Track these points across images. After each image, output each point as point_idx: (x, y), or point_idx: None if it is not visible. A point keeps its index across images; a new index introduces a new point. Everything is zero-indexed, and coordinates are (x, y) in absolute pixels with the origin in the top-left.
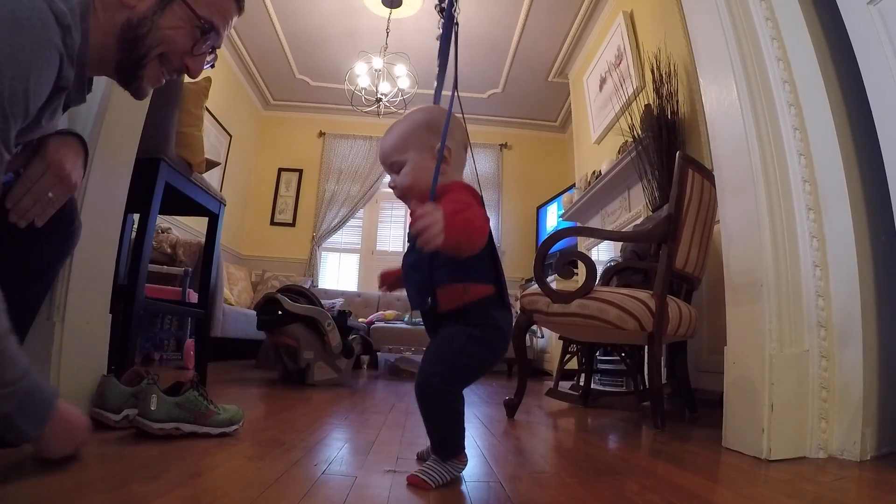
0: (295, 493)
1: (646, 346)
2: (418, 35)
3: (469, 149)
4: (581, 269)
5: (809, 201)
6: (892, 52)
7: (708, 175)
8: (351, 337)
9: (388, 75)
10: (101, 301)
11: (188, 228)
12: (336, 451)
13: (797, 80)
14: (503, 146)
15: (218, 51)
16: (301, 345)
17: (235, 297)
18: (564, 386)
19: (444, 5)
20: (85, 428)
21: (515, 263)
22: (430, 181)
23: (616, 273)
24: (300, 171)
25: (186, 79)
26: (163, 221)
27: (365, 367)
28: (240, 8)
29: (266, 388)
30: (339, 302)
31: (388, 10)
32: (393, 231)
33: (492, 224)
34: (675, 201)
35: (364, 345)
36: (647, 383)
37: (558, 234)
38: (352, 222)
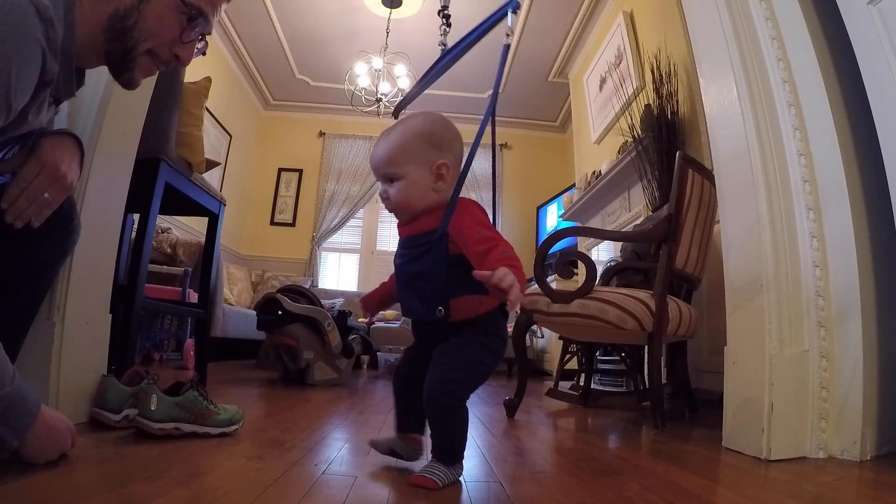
0: (295, 493)
1: (646, 346)
2: (418, 35)
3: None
4: (581, 269)
5: (809, 201)
6: (892, 52)
7: (708, 175)
8: (351, 337)
9: (388, 75)
10: (101, 301)
11: (188, 228)
12: (336, 451)
13: (797, 80)
14: (503, 146)
15: (218, 51)
16: (301, 345)
17: (235, 297)
18: (564, 386)
19: (507, 40)
20: (69, 434)
21: None
22: (426, 200)
23: (616, 273)
24: (300, 171)
25: (186, 79)
26: (163, 221)
27: (365, 367)
28: None
29: (266, 388)
30: (339, 302)
31: (388, 10)
32: (393, 231)
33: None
34: (675, 201)
35: (364, 345)
36: (647, 383)
37: (558, 234)
38: (352, 222)
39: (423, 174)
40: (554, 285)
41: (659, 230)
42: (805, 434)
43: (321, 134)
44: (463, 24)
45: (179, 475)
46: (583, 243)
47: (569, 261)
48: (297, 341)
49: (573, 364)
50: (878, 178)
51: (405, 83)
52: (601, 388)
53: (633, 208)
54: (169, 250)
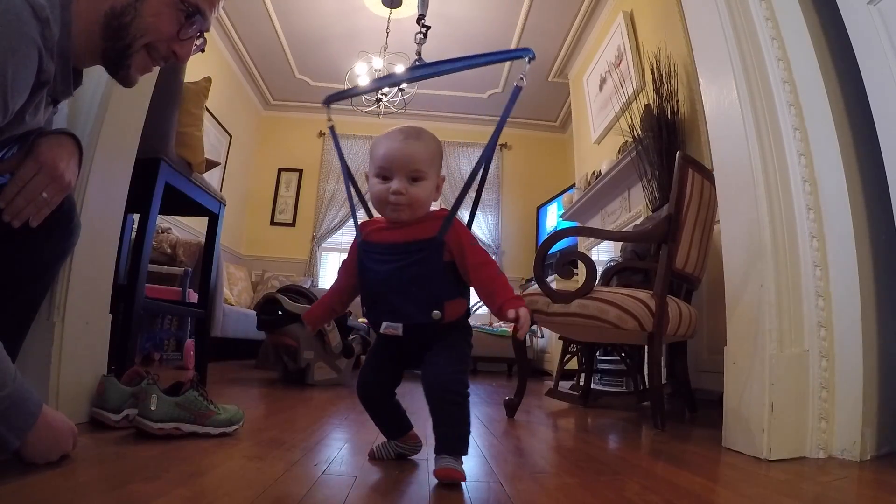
0: (295, 493)
1: (646, 346)
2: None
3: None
4: (581, 269)
5: (809, 201)
6: (892, 52)
7: (708, 175)
8: (351, 337)
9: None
10: (101, 301)
11: (188, 228)
12: (336, 451)
13: (797, 80)
14: (503, 146)
15: (218, 51)
16: (301, 345)
17: (235, 297)
18: (564, 386)
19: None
20: (71, 434)
21: (515, 263)
22: (427, 207)
23: (616, 273)
24: (300, 171)
25: (186, 79)
26: (163, 221)
27: None
28: None
29: (266, 388)
30: None
31: (388, 10)
32: None
33: (492, 224)
34: (675, 201)
35: (364, 345)
36: (647, 383)
37: (558, 234)
38: (352, 222)
39: (433, 184)
40: (554, 285)
41: (659, 230)
42: (805, 434)
43: (321, 134)
44: (463, 24)
45: (179, 475)
46: (583, 243)
47: (569, 261)
48: (297, 341)
49: (573, 364)
50: (878, 178)
51: (405, 84)
52: (601, 388)
53: (633, 208)
54: (169, 250)
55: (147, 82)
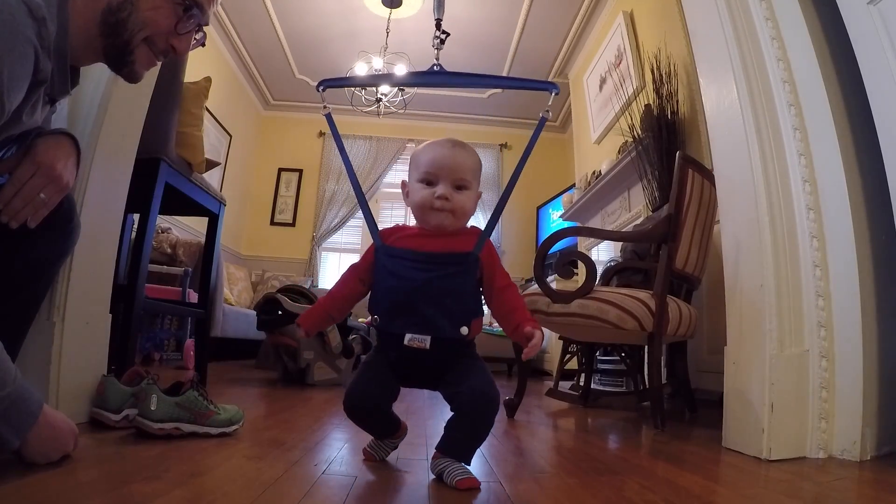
0: (295, 493)
1: (646, 346)
2: (418, 35)
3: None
4: (581, 269)
5: (809, 201)
6: (892, 52)
7: (708, 175)
8: (351, 337)
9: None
10: (101, 301)
11: (188, 228)
12: (336, 451)
13: (797, 80)
14: (503, 146)
15: (218, 51)
16: (301, 345)
17: (235, 297)
18: (564, 386)
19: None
20: (72, 434)
21: (515, 263)
22: (469, 217)
23: (616, 273)
24: (300, 171)
25: (186, 79)
26: (163, 221)
27: None
28: None
29: (266, 388)
30: None
31: (388, 10)
32: None
33: None
34: (675, 201)
35: (364, 345)
36: (647, 383)
37: (558, 234)
38: (352, 222)
39: (476, 195)
40: (554, 285)
41: (659, 230)
42: (805, 434)
43: (321, 134)
44: (462, 24)
45: (179, 475)
46: (583, 243)
47: (569, 261)
48: (297, 341)
49: (573, 364)
50: (878, 178)
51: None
52: (601, 388)
53: (633, 208)
54: (169, 250)
55: (147, 82)
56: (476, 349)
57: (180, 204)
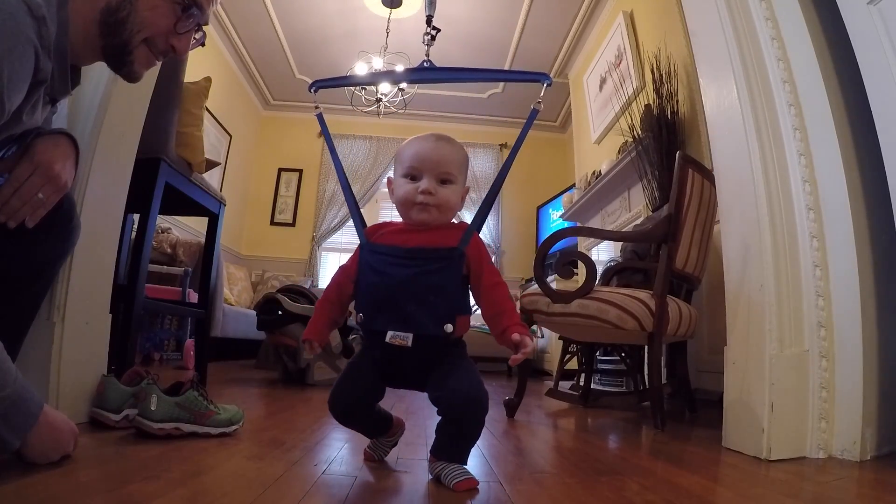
0: (295, 493)
1: (646, 346)
2: (418, 35)
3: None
4: (581, 269)
5: (809, 201)
6: (892, 52)
7: (708, 175)
8: (351, 337)
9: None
10: (101, 301)
11: (188, 228)
12: (336, 451)
13: (797, 80)
14: (503, 146)
15: (218, 51)
16: (301, 345)
17: (235, 297)
18: (564, 386)
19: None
20: (72, 435)
21: (515, 263)
22: (454, 212)
23: (616, 273)
24: (300, 171)
25: (186, 79)
26: (163, 221)
27: None
28: None
29: (266, 388)
30: None
31: (388, 10)
32: None
33: (492, 224)
34: (675, 201)
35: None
36: (647, 383)
37: (558, 234)
38: (352, 222)
39: (461, 190)
40: (554, 285)
41: (659, 230)
42: (805, 434)
43: (321, 134)
44: (463, 24)
45: (179, 475)
46: (583, 243)
47: (569, 261)
48: (296, 341)
49: (573, 364)
50: (878, 178)
51: (405, 83)
52: (601, 388)
53: (633, 208)
54: (169, 250)
55: (147, 82)
56: (466, 349)
57: (180, 204)
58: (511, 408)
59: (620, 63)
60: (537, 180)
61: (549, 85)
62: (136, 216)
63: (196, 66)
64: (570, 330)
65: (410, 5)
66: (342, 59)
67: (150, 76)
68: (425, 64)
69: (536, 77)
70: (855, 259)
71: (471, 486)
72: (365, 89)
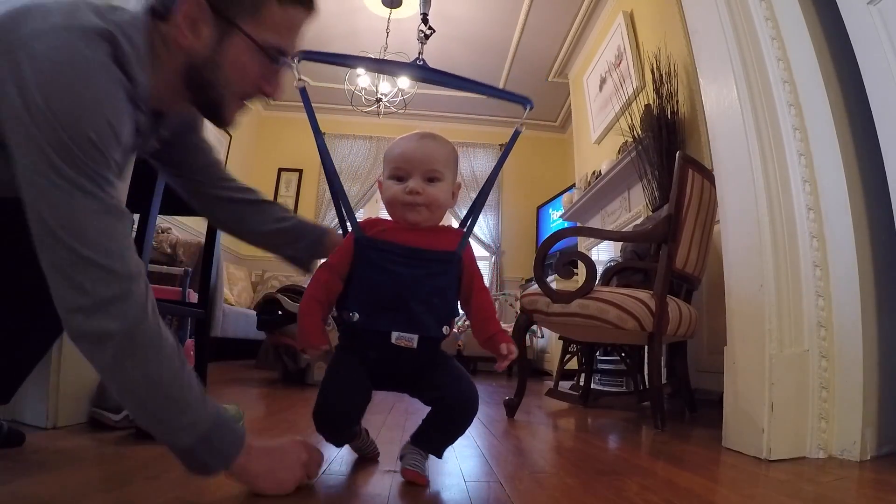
0: (295, 493)
1: (646, 346)
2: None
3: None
4: (581, 269)
5: (809, 201)
6: (892, 52)
7: (708, 175)
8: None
9: (387, 75)
10: None
11: (188, 228)
12: (336, 451)
13: (797, 80)
14: (503, 146)
15: None
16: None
17: (235, 297)
18: (564, 386)
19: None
20: (300, 464)
21: (515, 263)
22: (444, 210)
23: (616, 273)
24: (300, 171)
25: None
26: (163, 221)
27: None
28: (308, 9)
29: (266, 388)
30: None
31: (388, 10)
32: None
33: (492, 224)
34: (675, 201)
35: None
36: (647, 383)
37: (558, 234)
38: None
39: (450, 187)
40: (554, 285)
41: (659, 230)
42: (805, 434)
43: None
44: (463, 24)
45: (179, 475)
46: (583, 243)
47: (569, 261)
48: (296, 341)
49: (573, 364)
50: (878, 178)
51: (405, 83)
52: (601, 388)
53: (633, 208)
54: (169, 250)
55: None
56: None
57: (180, 204)
58: (511, 408)
59: (620, 63)
60: (537, 180)
61: (530, 109)
62: (136, 216)
63: None
64: (570, 330)
65: (410, 5)
66: None
67: None
68: (419, 62)
69: (520, 100)
70: (855, 259)
71: (418, 481)
72: (365, 89)
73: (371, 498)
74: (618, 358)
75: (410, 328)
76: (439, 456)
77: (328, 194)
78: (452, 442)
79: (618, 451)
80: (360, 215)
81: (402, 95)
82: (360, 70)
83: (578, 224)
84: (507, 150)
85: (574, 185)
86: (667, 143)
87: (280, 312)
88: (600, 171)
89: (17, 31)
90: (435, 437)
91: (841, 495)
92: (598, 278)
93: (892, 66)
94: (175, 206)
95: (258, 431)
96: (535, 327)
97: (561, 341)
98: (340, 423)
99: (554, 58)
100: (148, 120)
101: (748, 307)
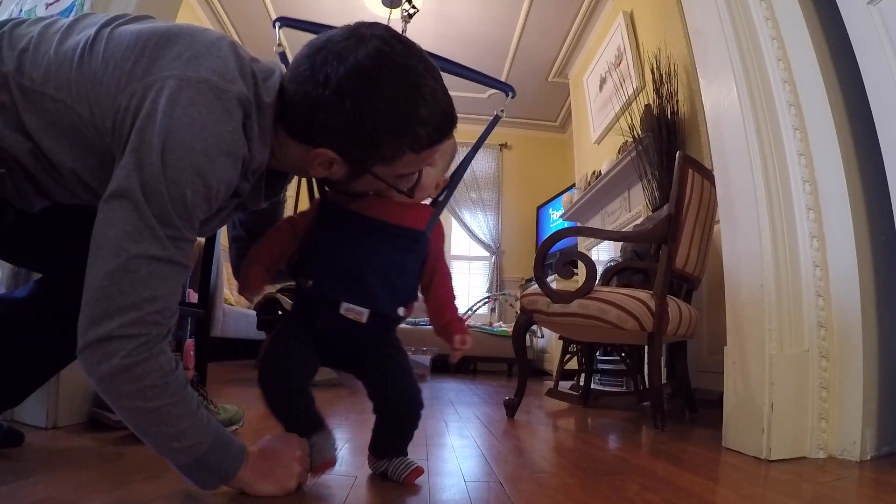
0: (295, 493)
1: (646, 346)
2: (418, 35)
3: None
4: (581, 269)
5: (809, 201)
6: (892, 52)
7: (708, 175)
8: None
9: None
10: None
11: None
12: (336, 451)
13: (797, 80)
14: (503, 146)
15: None
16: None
17: (235, 297)
18: (564, 386)
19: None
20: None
21: (515, 263)
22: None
23: (616, 273)
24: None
25: None
26: None
27: None
28: (448, 134)
29: None
30: None
31: (388, 10)
32: None
33: (492, 224)
34: (675, 201)
35: None
36: (647, 383)
37: (558, 234)
38: None
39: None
40: (554, 285)
41: (659, 230)
42: (805, 434)
43: None
44: (463, 24)
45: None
46: (583, 243)
47: (569, 261)
48: None
49: (573, 364)
50: (878, 178)
51: None
52: (601, 388)
53: (633, 208)
54: None
55: None
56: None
57: None
58: (511, 408)
59: (620, 63)
60: (537, 180)
61: (512, 96)
62: None
63: None
64: (570, 330)
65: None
66: None
67: None
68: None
69: (502, 87)
70: (855, 259)
71: (418, 473)
72: None
73: (372, 498)
74: (618, 358)
75: (361, 301)
76: (405, 452)
77: None
78: (410, 439)
79: (618, 451)
80: None
81: None
82: None
83: (578, 224)
84: (485, 132)
85: (574, 185)
86: (667, 143)
87: (280, 312)
88: (600, 171)
89: (161, 62)
90: (391, 442)
91: (841, 495)
92: (598, 278)
93: (892, 66)
94: None
95: (258, 431)
96: (535, 327)
97: (561, 341)
98: (288, 388)
99: (554, 58)
100: (253, 186)
101: (748, 307)
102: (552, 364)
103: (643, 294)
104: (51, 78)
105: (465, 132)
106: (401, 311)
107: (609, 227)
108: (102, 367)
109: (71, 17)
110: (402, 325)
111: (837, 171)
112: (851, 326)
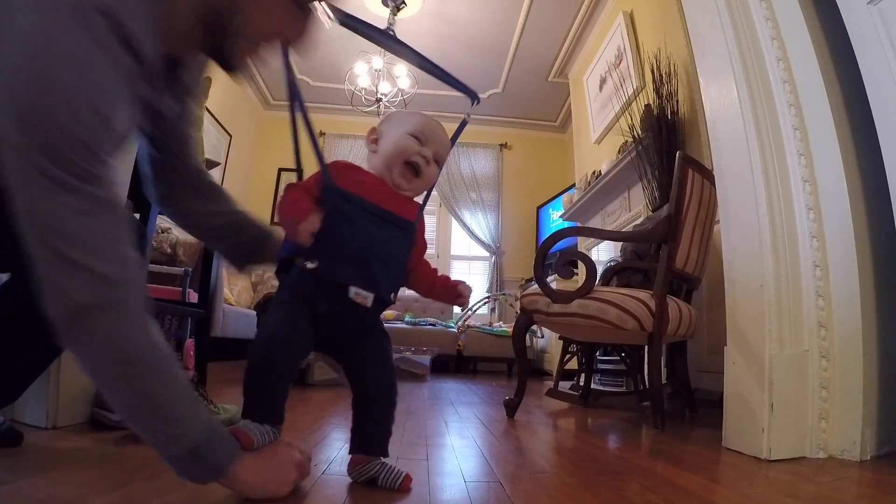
0: (295, 493)
1: (646, 346)
2: (418, 35)
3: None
4: (581, 269)
5: (809, 201)
6: (892, 52)
7: (708, 175)
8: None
9: (388, 75)
10: None
11: None
12: (336, 451)
13: (797, 80)
14: (503, 146)
15: None
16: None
17: (235, 297)
18: (564, 386)
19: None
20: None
21: (515, 263)
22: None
23: (616, 273)
24: (301, 172)
25: None
26: (163, 221)
27: None
28: None
29: None
30: None
31: (388, 10)
32: None
33: (492, 224)
34: (675, 201)
35: None
36: (647, 383)
37: (558, 234)
38: None
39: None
40: (554, 285)
41: (659, 230)
42: (805, 434)
43: (321, 134)
44: (463, 24)
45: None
46: (583, 243)
47: (569, 261)
48: None
49: (573, 364)
50: (878, 178)
51: (405, 83)
52: (601, 388)
53: (633, 208)
54: (169, 250)
55: None
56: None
57: None
58: (511, 408)
59: (620, 63)
60: (537, 180)
61: (476, 103)
62: (137, 216)
63: None
64: (570, 330)
65: (410, 5)
66: (342, 59)
67: None
68: (390, 32)
69: (468, 93)
70: (855, 259)
71: (410, 480)
72: (364, 89)
73: (372, 498)
74: (618, 358)
75: (368, 286)
76: (386, 454)
77: None
78: (390, 434)
79: (618, 451)
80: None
81: (401, 95)
82: (361, 71)
83: (578, 224)
84: (454, 137)
85: (574, 185)
86: (667, 143)
87: None
88: (600, 171)
89: None
90: (375, 432)
91: (841, 495)
92: (598, 278)
93: (892, 66)
94: None
95: None
96: (535, 327)
97: (561, 341)
98: (286, 362)
99: (554, 58)
100: (158, 78)
101: (748, 307)
102: (552, 364)
103: (643, 294)
104: None
105: (464, 132)
106: (392, 296)
107: (609, 227)
108: (86, 362)
109: None
110: (402, 325)
111: (837, 171)
112: (851, 326)
